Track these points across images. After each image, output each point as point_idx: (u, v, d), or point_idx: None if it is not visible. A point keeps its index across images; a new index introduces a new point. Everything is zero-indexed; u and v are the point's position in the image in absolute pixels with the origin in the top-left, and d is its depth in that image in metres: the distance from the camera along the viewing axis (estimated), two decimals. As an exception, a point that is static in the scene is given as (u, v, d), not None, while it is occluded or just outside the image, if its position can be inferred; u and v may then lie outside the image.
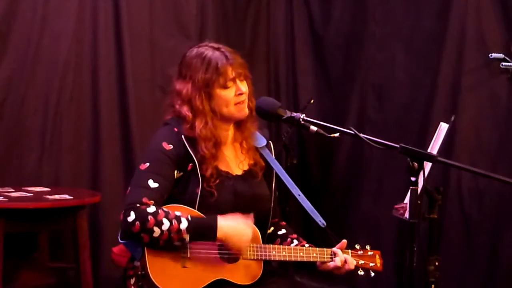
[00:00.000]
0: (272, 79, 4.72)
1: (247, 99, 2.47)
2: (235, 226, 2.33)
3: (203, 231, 2.30)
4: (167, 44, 4.15)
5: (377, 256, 2.54)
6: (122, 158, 3.99)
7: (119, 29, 3.97)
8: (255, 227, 2.44)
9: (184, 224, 2.26)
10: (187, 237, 2.27)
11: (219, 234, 2.30)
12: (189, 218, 2.29)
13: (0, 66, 3.65)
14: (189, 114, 2.42)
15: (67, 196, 3.38)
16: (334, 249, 2.46)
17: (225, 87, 2.42)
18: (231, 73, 2.42)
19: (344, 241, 2.48)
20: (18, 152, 3.72)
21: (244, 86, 2.45)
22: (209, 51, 2.44)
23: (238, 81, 2.44)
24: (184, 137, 2.41)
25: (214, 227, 2.29)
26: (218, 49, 2.45)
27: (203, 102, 2.41)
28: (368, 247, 2.54)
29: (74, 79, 3.86)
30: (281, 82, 4.71)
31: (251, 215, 2.43)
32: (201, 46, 2.48)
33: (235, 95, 2.43)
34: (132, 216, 2.24)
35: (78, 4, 3.86)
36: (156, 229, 2.24)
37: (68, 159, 3.85)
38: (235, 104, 2.44)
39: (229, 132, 2.53)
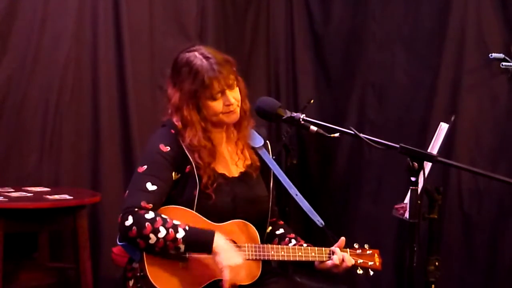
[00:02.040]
0: (272, 79, 4.72)
1: (237, 106, 2.45)
2: (230, 247, 2.31)
3: (199, 244, 2.28)
4: (167, 44, 4.14)
5: (376, 255, 2.54)
6: (122, 158, 3.98)
7: (119, 29, 3.96)
8: (253, 226, 2.44)
9: (180, 234, 2.25)
10: (182, 247, 2.25)
11: (214, 248, 2.27)
12: (187, 228, 2.27)
13: (0, 66, 3.65)
14: (179, 124, 2.41)
15: (67, 196, 3.37)
16: (333, 248, 2.46)
17: (213, 98, 2.40)
18: (217, 86, 2.38)
19: (343, 238, 2.48)
20: (18, 152, 3.72)
21: (233, 96, 2.42)
22: (198, 60, 2.39)
23: (227, 92, 2.40)
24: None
25: (210, 240, 2.27)
26: (207, 58, 2.39)
27: (191, 113, 2.39)
28: (366, 246, 2.54)
29: (74, 79, 3.85)
30: (281, 82, 4.71)
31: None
32: (192, 51, 2.43)
33: (224, 105, 2.41)
34: (129, 221, 2.24)
35: (78, 4, 3.86)
36: (152, 236, 2.23)
37: (68, 159, 3.84)
38: (224, 113, 2.43)
39: (223, 132, 2.52)
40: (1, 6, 3.62)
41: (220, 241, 2.29)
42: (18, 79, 3.69)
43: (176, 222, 2.27)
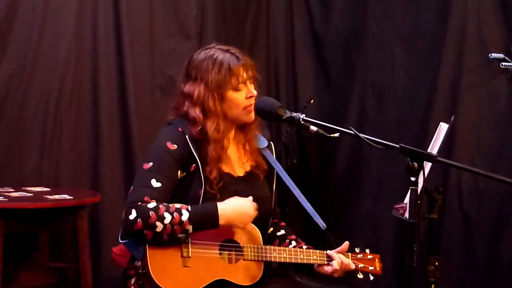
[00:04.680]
0: (272, 79, 4.72)
1: (255, 101, 2.46)
2: (235, 208, 2.34)
3: (205, 220, 2.30)
4: (167, 44, 4.15)
5: (377, 260, 2.54)
6: (122, 158, 3.99)
7: (119, 29, 3.97)
8: (255, 227, 2.44)
9: (185, 216, 2.26)
10: (190, 228, 2.27)
11: (221, 221, 2.30)
12: (190, 209, 2.29)
13: (0, 66, 3.65)
14: (200, 116, 2.41)
15: (67, 196, 3.37)
16: (329, 252, 2.46)
17: (237, 89, 2.42)
18: (243, 74, 2.42)
19: (347, 243, 2.48)
20: (18, 152, 3.71)
21: (254, 89, 2.46)
22: (219, 52, 2.43)
23: (248, 84, 2.44)
24: (189, 137, 2.41)
25: (215, 214, 2.30)
26: (227, 50, 2.44)
27: (215, 103, 2.41)
28: (367, 251, 2.54)
29: (74, 79, 3.85)
30: (281, 82, 4.71)
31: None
32: (209, 48, 2.47)
33: (246, 98, 2.44)
34: (133, 214, 2.24)
35: (78, 4, 3.86)
36: (158, 224, 2.24)
37: (68, 159, 3.84)
38: (244, 108, 2.44)
39: (232, 133, 2.53)
40: (1, 6, 3.62)
41: (225, 212, 2.31)
42: (18, 79, 3.69)
43: (177, 205, 2.29)
